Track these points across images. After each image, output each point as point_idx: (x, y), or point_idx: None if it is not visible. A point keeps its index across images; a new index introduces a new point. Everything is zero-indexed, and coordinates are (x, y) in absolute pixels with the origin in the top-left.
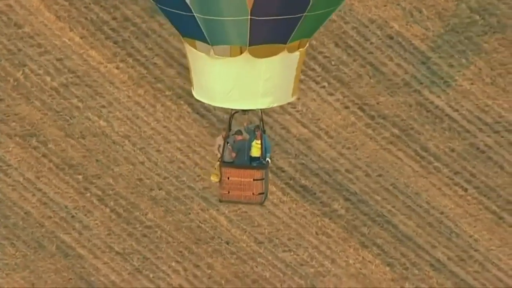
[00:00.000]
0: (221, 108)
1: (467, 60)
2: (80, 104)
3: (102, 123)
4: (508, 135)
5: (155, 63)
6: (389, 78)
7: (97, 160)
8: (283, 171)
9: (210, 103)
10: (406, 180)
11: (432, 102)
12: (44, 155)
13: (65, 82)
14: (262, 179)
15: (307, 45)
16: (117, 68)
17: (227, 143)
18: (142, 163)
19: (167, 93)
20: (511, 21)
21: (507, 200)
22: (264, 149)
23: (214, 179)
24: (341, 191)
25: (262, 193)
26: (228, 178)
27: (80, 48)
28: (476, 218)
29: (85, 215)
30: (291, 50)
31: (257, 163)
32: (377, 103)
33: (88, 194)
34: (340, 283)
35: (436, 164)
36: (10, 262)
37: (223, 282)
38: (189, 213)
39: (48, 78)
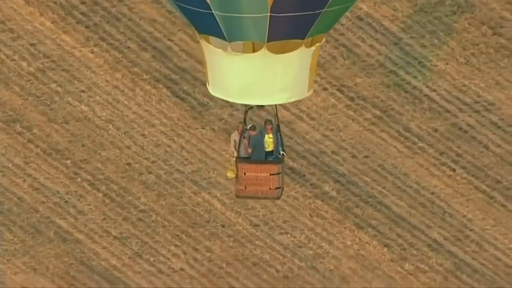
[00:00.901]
0: (203, 92)
1: (439, 40)
2: (59, 89)
3: (83, 107)
4: (488, 114)
5: (129, 47)
6: (363, 60)
7: (83, 145)
8: None
9: (227, 99)
10: (393, 161)
11: (409, 83)
12: (30, 141)
13: (42, 67)
14: (279, 173)
15: (324, 40)
16: (92, 52)
17: (244, 137)
18: (129, 147)
19: (144, 77)
20: (479, 0)
21: (495, 179)
22: (278, 143)
23: (230, 175)
24: (330, 173)
25: (279, 188)
26: (245, 174)
27: (52, 33)
28: (468, 198)
29: (78, 200)
30: (308, 45)
31: (273, 158)
32: (355, 85)
33: (79, 179)
34: (340, 265)
35: (420, 144)
36: (10, 248)
37: (224, 265)
38: (181, 197)
39: (24, 64)
